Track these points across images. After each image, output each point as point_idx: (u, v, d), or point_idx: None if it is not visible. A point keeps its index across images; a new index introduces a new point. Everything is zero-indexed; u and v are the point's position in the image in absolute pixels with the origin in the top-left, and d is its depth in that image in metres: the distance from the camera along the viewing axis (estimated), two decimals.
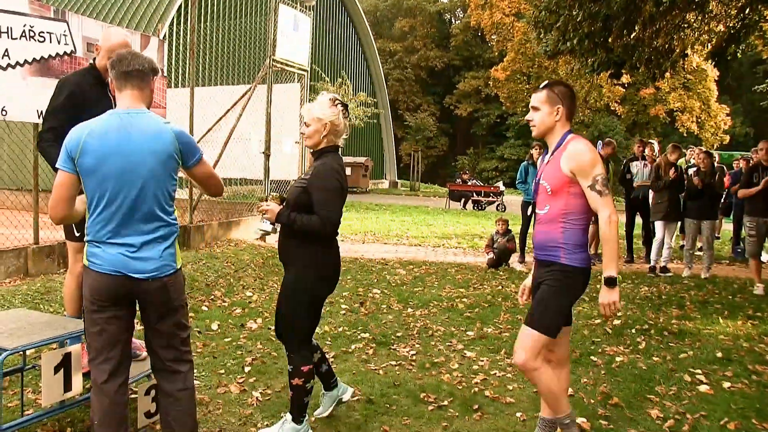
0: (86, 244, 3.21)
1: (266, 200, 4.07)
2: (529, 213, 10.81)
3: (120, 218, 3.10)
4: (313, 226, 3.78)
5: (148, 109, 3.27)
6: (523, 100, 31.69)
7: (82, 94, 4.38)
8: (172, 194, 3.26)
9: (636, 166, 11.51)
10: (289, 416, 4.07)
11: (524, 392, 5.04)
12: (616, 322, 7.07)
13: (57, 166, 3.13)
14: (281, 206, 3.96)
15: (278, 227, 4.02)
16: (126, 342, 3.27)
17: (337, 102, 4.01)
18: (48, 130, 4.38)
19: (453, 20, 63.53)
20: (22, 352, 3.86)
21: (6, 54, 7.05)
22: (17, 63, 7.17)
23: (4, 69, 7.04)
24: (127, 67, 3.14)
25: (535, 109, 3.71)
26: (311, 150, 4.06)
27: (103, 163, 3.05)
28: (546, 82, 3.81)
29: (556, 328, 3.63)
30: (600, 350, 6.17)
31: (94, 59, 4.57)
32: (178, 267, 3.31)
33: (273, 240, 10.57)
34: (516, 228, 11.31)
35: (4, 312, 4.31)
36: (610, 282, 3.50)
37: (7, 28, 7.03)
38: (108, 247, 3.13)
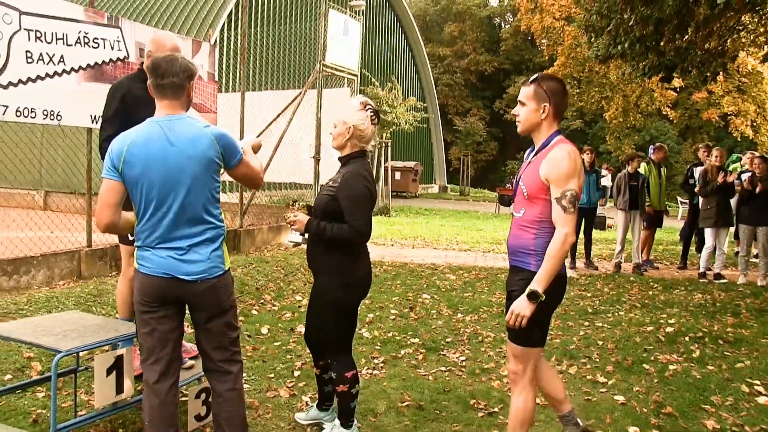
0: (136, 248, 3.28)
1: (291, 205, 4.05)
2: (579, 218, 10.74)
3: (167, 224, 3.16)
4: (343, 235, 3.75)
5: (187, 110, 3.30)
6: (573, 105, 31.33)
7: (134, 97, 4.44)
8: (216, 196, 3.29)
9: (699, 171, 11.30)
10: (337, 422, 4.07)
11: (575, 400, 4.96)
12: (669, 329, 6.93)
13: (102, 175, 3.19)
14: (309, 216, 3.93)
15: (307, 237, 4.00)
16: (176, 342, 3.33)
17: (367, 107, 3.96)
18: (107, 139, 4.43)
19: (503, 24, 63.18)
20: (75, 354, 3.94)
21: (61, 60, 7.23)
22: (72, 69, 7.35)
23: (60, 75, 7.22)
24: (160, 80, 3.17)
25: (522, 104, 3.51)
26: (338, 155, 4.03)
27: (147, 171, 3.10)
28: (535, 75, 3.57)
29: (536, 338, 3.46)
30: (652, 358, 6.06)
31: (142, 63, 4.63)
32: (227, 268, 3.34)
33: None
34: None
35: (59, 314, 4.39)
36: (532, 296, 3.24)
37: (63, 34, 7.21)
38: (157, 250, 3.18)
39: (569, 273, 10.35)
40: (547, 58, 33.88)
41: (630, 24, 9.81)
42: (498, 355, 6.09)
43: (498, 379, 5.41)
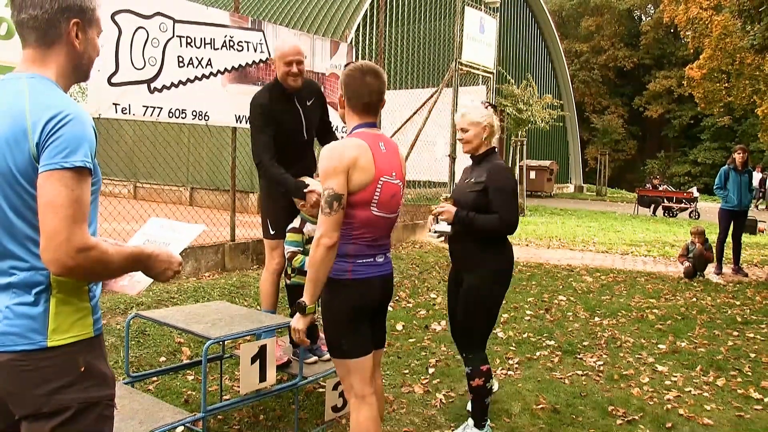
0: None
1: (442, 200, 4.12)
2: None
3: None
4: (493, 225, 3.83)
5: (78, 73, 2.08)
6: (721, 100, 29.65)
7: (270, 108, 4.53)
8: (28, 217, 1.90)
9: None
10: (470, 421, 4.07)
11: (724, 414, 4.73)
12: None
13: None
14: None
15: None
16: None
17: (488, 105, 4.12)
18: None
19: (643, 17, 61.03)
20: (221, 342, 4.15)
21: (209, 63, 7.57)
22: (218, 71, 7.68)
23: (207, 77, 7.56)
24: (17, 15, 1.96)
25: None
26: (470, 155, 4.14)
27: None
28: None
29: (346, 349, 3.06)
30: None
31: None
32: (51, 344, 1.91)
33: None
34: (713, 237, 10.68)
35: (208, 304, 4.65)
36: (297, 306, 3.00)
37: (211, 39, 7.55)
38: None
39: (715, 279, 9.92)
40: (691, 51, 32.45)
41: None
42: (637, 362, 5.89)
43: (638, 386, 5.23)
